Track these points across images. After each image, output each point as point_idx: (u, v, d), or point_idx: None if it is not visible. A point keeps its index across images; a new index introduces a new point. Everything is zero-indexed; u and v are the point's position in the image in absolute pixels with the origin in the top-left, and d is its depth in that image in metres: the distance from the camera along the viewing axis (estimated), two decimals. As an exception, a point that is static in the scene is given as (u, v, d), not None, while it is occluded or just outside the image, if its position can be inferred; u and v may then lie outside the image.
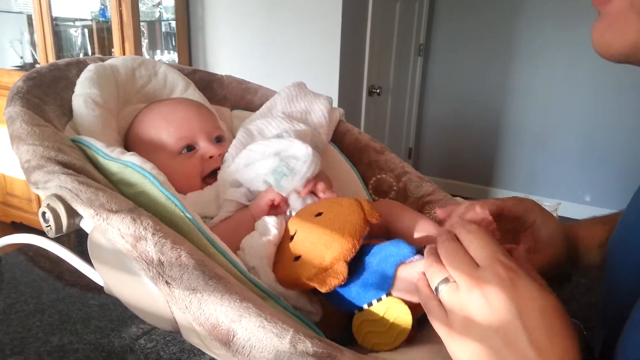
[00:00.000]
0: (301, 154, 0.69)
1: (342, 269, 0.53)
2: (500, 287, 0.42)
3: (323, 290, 0.53)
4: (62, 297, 0.89)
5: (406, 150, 3.55)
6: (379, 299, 0.54)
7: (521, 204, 0.65)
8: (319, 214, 0.60)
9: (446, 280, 0.45)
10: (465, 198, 0.81)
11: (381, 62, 2.60)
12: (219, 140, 0.78)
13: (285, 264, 0.58)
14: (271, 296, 0.53)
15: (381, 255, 0.55)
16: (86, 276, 0.62)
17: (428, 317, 0.47)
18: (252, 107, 0.92)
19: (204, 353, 0.79)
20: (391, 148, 0.92)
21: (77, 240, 0.77)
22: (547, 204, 0.88)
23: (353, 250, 0.55)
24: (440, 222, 0.74)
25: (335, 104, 0.91)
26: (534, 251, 0.63)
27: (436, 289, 0.46)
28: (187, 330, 0.49)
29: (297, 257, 0.57)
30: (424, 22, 3.20)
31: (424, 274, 0.49)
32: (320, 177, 0.70)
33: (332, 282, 0.53)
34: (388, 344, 0.53)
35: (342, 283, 0.53)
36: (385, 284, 0.54)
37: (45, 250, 0.65)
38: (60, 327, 0.82)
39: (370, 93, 2.49)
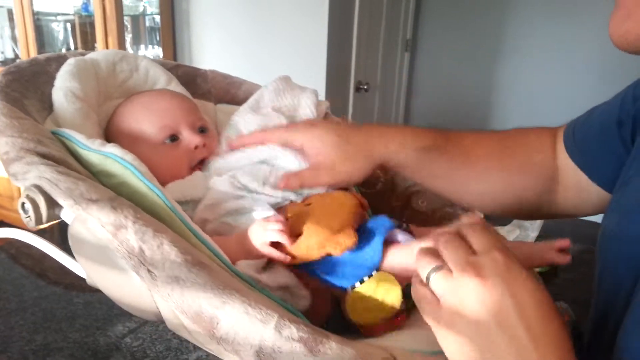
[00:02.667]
0: (293, 167, 0.68)
1: (352, 233, 0.55)
2: (496, 271, 0.42)
3: (336, 253, 0.54)
4: (45, 295, 0.88)
5: (394, 146, 3.56)
6: (370, 275, 0.56)
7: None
8: (308, 205, 0.61)
9: (438, 267, 0.45)
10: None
11: (368, 58, 2.60)
12: (203, 130, 0.77)
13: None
14: (255, 287, 0.53)
15: (366, 230, 0.58)
16: (70, 274, 0.61)
17: (417, 306, 0.46)
18: (237, 101, 0.91)
19: (190, 351, 0.78)
20: (379, 143, 0.92)
21: (60, 237, 0.75)
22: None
23: (357, 222, 0.58)
24: (426, 213, 0.75)
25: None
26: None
27: (427, 278, 0.45)
28: (173, 323, 0.48)
29: (298, 236, 0.58)
30: (410, 18, 3.20)
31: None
32: None
33: (346, 243, 0.54)
34: (382, 317, 0.54)
35: (354, 246, 0.55)
36: (374, 260, 0.56)
37: (27, 247, 0.64)
38: (45, 326, 0.81)
39: (357, 89, 2.49)
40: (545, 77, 3.27)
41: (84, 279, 0.58)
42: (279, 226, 0.57)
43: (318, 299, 0.60)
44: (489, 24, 3.36)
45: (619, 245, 0.52)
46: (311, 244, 0.56)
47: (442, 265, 0.44)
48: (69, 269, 0.60)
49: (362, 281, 0.55)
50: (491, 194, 0.73)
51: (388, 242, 0.58)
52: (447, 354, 0.43)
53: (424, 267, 0.46)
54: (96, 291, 0.56)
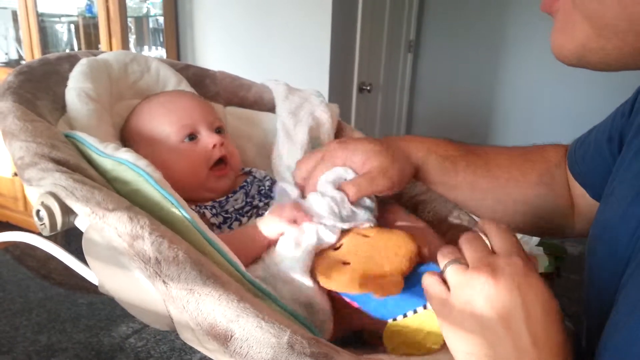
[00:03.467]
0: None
1: (400, 281, 0.54)
2: (512, 275, 0.42)
3: (378, 295, 0.52)
4: (50, 296, 0.88)
5: (395, 147, 3.56)
6: (415, 311, 0.54)
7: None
8: (367, 236, 0.61)
9: (456, 260, 0.46)
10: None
11: (371, 59, 2.60)
12: (219, 131, 0.78)
13: (331, 267, 0.57)
14: (270, 296, 0.53)
15: (422, 271, 0.55)
16: (74, 275, 0.61)
17: (426, 295, 0.48)
18: (246, 104, 0.91)
19: (194, 352, 0.78)
20: (382, 145, 0.91)
21: (64, 239, 0.76)
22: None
23: (409, 269, 0.56)
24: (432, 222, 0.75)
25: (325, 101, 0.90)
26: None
27: (444, 269, 0.47)
28: (186, 333, 0.49)
29: (346, 263, 0.57)
30: (413, 19, 3.20)
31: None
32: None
33: (390, 290, 0.53)
34: (418, 354, 0.53)
35: (397, 294, 0.53)
36: (422, 299, 0.53)
37: (32, 249, 0.64)
38: (49, 326, 0.81)
39: (360, 90, 2.49)
40: (547, 80, 3.28)
41: (88, 280, 0.58)
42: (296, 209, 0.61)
43: (341, 313, 0.59)
44: (492, 26, 3.36)
45: (602, 253, 0.53)
46: (355, 278, 0.54)
47: (459, 259, 0.46)
48: (77, 272, 0.60)
49: (405, 315, 0.54)
50: (511, 206, 0.74)
51: None
52: (450, 347, 0.44)
53: (443, 258, 0.47)
54: (100, 292, 0.56)
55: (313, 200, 0.64)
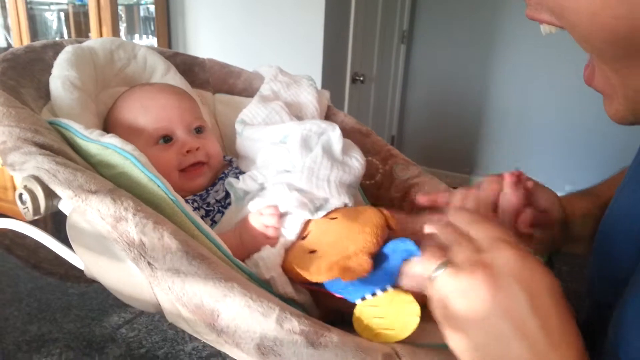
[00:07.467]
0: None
1: (366, 261, 0.52)
2: (507, 266, 0.40)
3: (345, 278, 0.51)
4: (40, 286, 0.87)
5: (389, 138, 3.56)
6: (384, 289, 0.51)
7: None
8: (334, 218, 0.59)
9: (444, 264, 0.43)
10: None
11: (365, 50, 2.59)
12: (199, 130, 0.76)
13: (297, 256, 0.56)
14: (256, 280, 0.52)
15: (388, 250, 0.54)
16: (65, 264, 0.61)
17: (430, 306, 0.44)
18: (235, 91, 0.90)
19: (186, 341, 0.78)
20: (374, 136, 0.91)
21: (54, 227, 0.75)
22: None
23: (376, 246, 0.54)
24: (424, 208, 0.74)
25: (318, 91, 0.89)
26: (537, 223, 0.61)
27: (432, 276, 0.43)
28: (172, 314, 0.48)
29: (313, 251, 0.56)
30: (407, 9, 3.19)
31: None
32: None
33: (357, 271, 0.51)
34: (392, 336, 0.50)
35: (365, 275, 0.51)
36: (391, 277, 0.52)
37: (22, 238, 0.63)
38: (39, 317, 0.81)
39: (353, 81, 2.48)
40: (541, 69, 3.28)
41: (79, 270, 0.57)
42: (274, 214, 0.61)
43: (321, 303, 0.59)
44: (485, 15, 3.36)
45: (611, 245, 0.52)
46: (321, 266, 0.53)
47: (447, 262, 0.43)
48: (65, 259, 0.60)
49: (374, 294, 0.52)
50: None
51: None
52: (457, 354, 0.41)
53: (430, 264, 0.44)
54: (91, 282, 0.55)
55: (279, 195, 0.64)
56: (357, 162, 0.70)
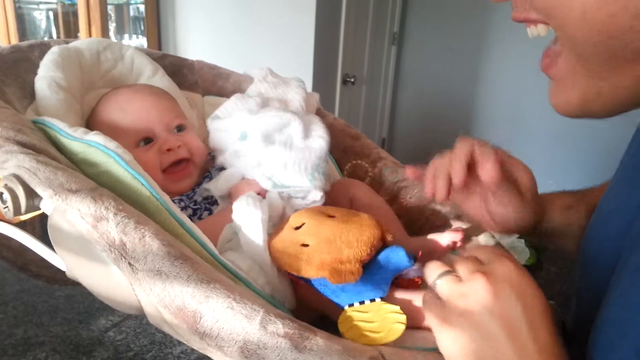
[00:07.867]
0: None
1: (357, 270, 0.52)
2: (505, 275, 0.42)
3: (332, 281, 0.51)
4: (26, 289, 0.86)
5: (380, 140, 3.56)
6: (372, 300, 0.52)
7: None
8: (332, 216, 0.59)
9: (446, 272, 0.45)
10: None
11: (355, 51, 2.59)
12: (180, 129, 0.75)
13: (289, 246, 0.56)
14: (242, 280, 0.52)
15: (381, 258, 0.55)
16: (52, 267, 0.60)
17: (423, 308, 0.46)
18: (225, 93, 0.90)
19: (174, 345, 0.77)
20: (365, 138, 0.91)
21: (42, 229, 0.74)
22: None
23: (370, 256, 0.54)
24: (414, 207, 0.74)
25: (309, 92, 0.89)
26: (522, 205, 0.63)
27: (434, 282, 0.45)
28: (155, 317, 0.47)
29: (305, 245, 0.55)
30: (397, 11, 3.19)
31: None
32: None
33: (347, 277, 0.51)
34: (377, 339, 0.50)
35: (353, 281, 0.51)
36: (381, 289, 0.53)
37: (7, 240, 0.62)
38: (25, 320, 0.80)
39: (344, 82, 2.48)
40: (531, 71, 3.29)
41: (65, 272, 0.56)
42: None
43: (305, 302, 0.58)
44: (476, 17, 3.37)
45: (597, 245, 0.52)
46: (312, 262, 0.53)
47: (450, 271, 0.45)
48: (49, 261, 0.59)
49: (362, 303, 0.52)
50: None
51: (397, 277, 0.56)
52: (447, 357, 0.43)
53: (433, 271, 0.46)
54: (78, 284, 0.55)
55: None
56: (321, 139, 0.73)
